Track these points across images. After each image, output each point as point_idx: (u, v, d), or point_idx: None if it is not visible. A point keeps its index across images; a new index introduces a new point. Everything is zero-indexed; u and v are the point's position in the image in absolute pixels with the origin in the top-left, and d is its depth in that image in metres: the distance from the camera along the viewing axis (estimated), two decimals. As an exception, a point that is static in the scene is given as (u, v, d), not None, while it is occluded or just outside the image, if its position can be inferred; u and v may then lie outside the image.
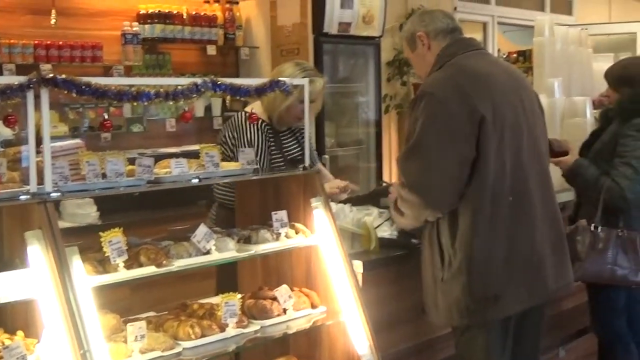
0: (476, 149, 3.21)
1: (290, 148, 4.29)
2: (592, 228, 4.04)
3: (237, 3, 6.42)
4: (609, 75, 4.36)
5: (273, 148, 4.24)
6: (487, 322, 3.36)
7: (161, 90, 3.02)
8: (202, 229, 3.15)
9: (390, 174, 7.39)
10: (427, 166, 3.25)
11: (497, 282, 3.28)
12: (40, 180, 2.65)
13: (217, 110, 6.40)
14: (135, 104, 3.04)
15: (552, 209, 3.49)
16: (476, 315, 3.31)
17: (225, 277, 3.88)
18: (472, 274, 3.26)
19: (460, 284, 3.28)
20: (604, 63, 6.66)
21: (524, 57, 9.93)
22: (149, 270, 2.95)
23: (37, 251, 2.60)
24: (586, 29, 8.66)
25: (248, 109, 4.30)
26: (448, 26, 3.47)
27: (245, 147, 4.07)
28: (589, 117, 5.57)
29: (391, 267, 3.88)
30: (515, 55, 10.21)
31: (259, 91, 3.35)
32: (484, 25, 9.46)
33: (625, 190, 3.99)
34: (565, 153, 4.19)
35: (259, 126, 4.20)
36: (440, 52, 3.43)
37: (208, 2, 6.33)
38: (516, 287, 3.31)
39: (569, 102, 5.68)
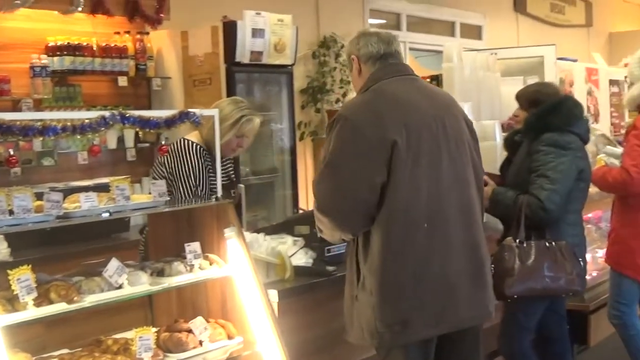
0: (388, 174, 3.22)
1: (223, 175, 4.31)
2: (518, 243, 4.12)
3: (147, 34, 6.38)
4: (522, 96, 4.51)
5: (210, 174, 4.30)
6: (398, 345, 3.34)
7: (68, 124, 2.99)
8: (114, 263, 3.12)
9: (307, 201, 7.41)
10: (337, 189, 3.27)
11: (406, 307, 3.27)
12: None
13: (130, 141, 6.34)
14: (42, 138, 3.00)
15: (473, 238, 3.45)
16: (385, 339, 3.30)
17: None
18: (381, 297, 3.25)
19: (370, 306, 3.28)
20: (512, 86, 6.80)
21: (437, 81, 10.07)
22: (60, 307, 2.91)
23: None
24: (495, 53, 8.84)
25: (189, 136, 4.38)
26: (379, 52, 3.47)
27: (185, 174, 4.24)
28: (499, 140, 5.69)
29: (307, 295, 3.88)
30: (428, 79, 10.35)
31: (169, 123, 3.34)
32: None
33: (544, 201, 4.09)
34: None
35: (199, 153, 4.30)
36: (368, 77, 3.46)
37: (118, 33, 6.28)
38: (425, 313, 3.29)
39: (479, 126, 5.76)
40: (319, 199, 3.36)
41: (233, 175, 4.73)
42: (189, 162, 4.28)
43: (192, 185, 4.22)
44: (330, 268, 3.94)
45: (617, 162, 4.84)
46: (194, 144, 4.33)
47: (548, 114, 4.32)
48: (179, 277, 3.33)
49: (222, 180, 4.30)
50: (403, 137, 3.23)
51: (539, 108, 4.37)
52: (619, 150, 4.91)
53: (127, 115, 3.18)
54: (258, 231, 4.23)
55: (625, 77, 5.19)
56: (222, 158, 4.29)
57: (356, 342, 3.48)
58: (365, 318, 3.30)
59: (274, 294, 3.65)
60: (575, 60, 10.76)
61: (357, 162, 3.23)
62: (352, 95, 7.79)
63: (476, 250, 3.45)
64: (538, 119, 4.20)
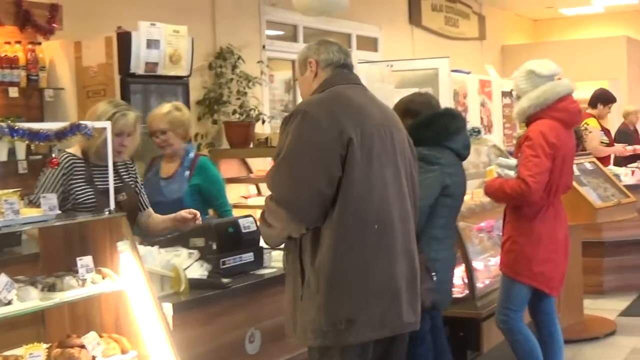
0: (343, 171, 3.33)
1: (104, 181, 4.24)
2: None
3: (39, 44, 6.24)
4: (396, 107, 4.61)
5: (81, 183, 4.28)
6: (342, 345, 3.40)
7: (-46, 137, 2.92)
8: (2, 279, 3.05)
9: (204, 212, 7.37)
10: (295, 180, 3.36)
11: (352, 306, 3.35)
12: None
13: (21, 154, 6.17)
14: None
15: (410, 246, 3.57)
16: (329, 338, 3.36)
17: None
18: (328, 296, 3.33)
19: (316, 305, 3.35)
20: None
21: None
22: (-55, 325, 2.83)
23: None
24: (391, 65, 9.00)
25: (70, 148, 4.38)
26: (339, 61, 3.62)
27: (37, 185, 4.31)
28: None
29: (202, 308, 3.85)
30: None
31: (59, 135, 3.30)
32: (293, 63, 9.64)
33: None
34: None
35: (63, 164, 4.28)
36: (325, 80, 3.58)
37: (9, 43, 6.14)
38: (370, 314, 3.38)
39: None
40: (276, 190, 3.44)
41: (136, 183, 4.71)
42: (43, 174, 4.33)
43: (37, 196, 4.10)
44: (225, 280, 3.92)
45: (512, 173, 4.93)
46: (63, 155, 4.33)
47: (421, 128, 4.45)
48: (71, 292, 3.28)
49: (126, 188, 4.38)
50: (358, 137, 3.36)
51: (415, 120, 4.49)
52: (513, 161, 5.02)
53: (16, 127, 3.12)
54: (152, 244, 4.19)
55: (512, 90, 5.32)
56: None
57: (299, 343, 3.55)
58: (310, 317, 3.37)
59: (168, 307, 3.61)
60: (469, 73, 11.01)
61: (316, 154, 3.34)
62: (250, 105, 7.83)
63: (413, 259, 3.58)
64: (412, 133, 4.27)
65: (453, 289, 5.09)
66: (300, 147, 3.37)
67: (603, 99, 9.74)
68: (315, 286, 3.35)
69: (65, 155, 4.34)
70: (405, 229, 3.53)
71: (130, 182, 4.64)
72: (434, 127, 4.53)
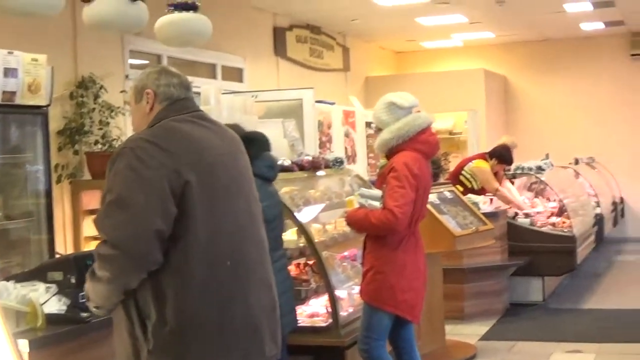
0: (182, 211, 3.14)
1: None
2: None
3: None
4: None
5: None
6: None
7: None
8: None
9: (65, 245, 7.21)
10: (130, 219, 3.10)
11: (214, 350, 3.18)
12: None
13: None
14: None
15: (268, 275, 3.46)
16: None
17: None
18: (187, 343, 3.13)
19: (173, 354, 3.13)
20: (272, 129, 6.97)
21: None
22: None
23: None
24: (256, 96, 9.03)
25: None
26: (179, 96, 3.37)
27: None
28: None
29: (60, 344, 3.76)
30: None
31: None
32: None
33: None
34: None
35: None
36: (158, 113, 3.34)
37: None
38: (233, 355, 3.23)
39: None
40: (108, 233, 3.14)
41: None
42: None
43: None
44: (84, 315, 3.84)
45: (377, 204, 4.99)
46: None
47: None
48: None
49: None
50: (197, 175, 3.18)
51: None
52: (377, 192, 5.08)
53: None
54: (8, 279, 4.07)
55: (372, 122, 5.43)
56: None
57: None
58: None
59: (24, 344, 3.51)
60: (333, 103, 11.16)
61: (147, 193, 3.10)
62: (113, 135, 7.70)
63: (271, 288, 3.47)
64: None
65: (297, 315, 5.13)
66: (130, 187, 3.13)
67: (501, 157, 9.96)
68: (168, 336, 3.12)
69: None
70: (261, 258, 3.43)
71: None
72: None
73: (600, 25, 14.59)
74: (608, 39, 15.56)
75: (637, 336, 7.89)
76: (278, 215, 4.88)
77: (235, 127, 4.72)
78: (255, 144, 4.75)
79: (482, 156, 10.13)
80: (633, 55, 15.47)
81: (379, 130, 5.27)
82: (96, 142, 7.63)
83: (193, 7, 6.57)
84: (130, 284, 3.14)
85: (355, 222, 5.13)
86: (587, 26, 14.62)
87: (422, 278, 5.23)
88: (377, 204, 5.00)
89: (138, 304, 3.18)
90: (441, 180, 9.38)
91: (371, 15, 12.58)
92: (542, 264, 9.45)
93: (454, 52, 16.32)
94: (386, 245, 5.05)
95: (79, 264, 4.14)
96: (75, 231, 7.38)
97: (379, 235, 5.06)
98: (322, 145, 10.29)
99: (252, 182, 3.53)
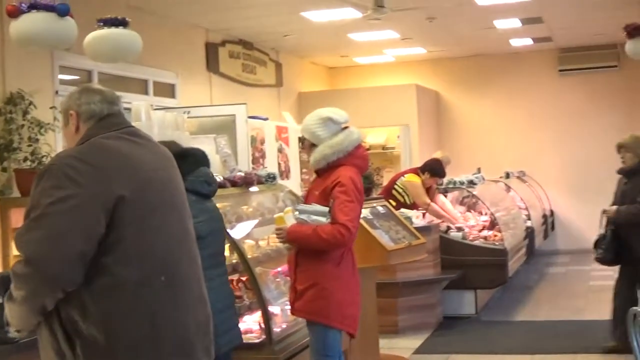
0: (114, 227, 3.09)
1: None
2: None
3: None
4: None
5: None
6: None
7: None
8: None
9: (-6, 266, 7.09)
10: (48, 237, 3.02)
11: None
12: None
13: None
14: None
15: (202, 290, 3.44)
16: None
17: None
18: (118, 358, 3.08)
19: None
20: (205, 145, 6.92)
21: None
22: None
23: None
24: (188, 112, 8.99)
25: None
26: (102, 112, 3.31)
27: None
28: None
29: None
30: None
31: None
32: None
33: None
34: None
35: None
36: (86, 132, 3.29)
37: None
38: None
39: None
40: (25, 249, 3.06)
41: None
42: None
43: None
44: (13, 334, 3.77)
45: (323, 219, 4.95)
46: None
47: None
48: None
49: None
50: (131, 191, 3.14)
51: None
52: (321, 207, 5.01)
53: None
54: None
55: (302, 137, 5.41)
56: None
57: None
58: None
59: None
60: (266, 119, 11.16)
61: (72, 212, 3.04)
62: (43, 151, 7.58)
63: (205, 303, 3.44)
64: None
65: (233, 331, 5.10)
66: (53, 204, 3.05)
67: (433, 171, 10.05)
68: (94, 357, 3.05)
69: None
70: (196, 273, 3.42)
71: None
72: None
73: (529, 42, 14.85)
74: (537, 54, 15.84)
75: (568, 347, 8.01)
76: (216, 231, 4.82)
77: (172, 144, 4.69)
78: (189, 159, 4.71)
79: (415, 171, 10.22)
80: (561, 70, 15.77)
81: (312, 145, 5.26)
82: (25, 159, 7.51)
83: (123, 23, 6.53)
84: (45, 305, 3.07)
85: (302, 238, 4.99)
86: (517, 42, 14.87)
87: (359, 292, 5.24)
88: (323, 219, 4.96)
89: (62, 321, 3.10)
90: (374, 195, 9.41)
91: (304, 31, 12.63)
92: (474, 277, 9.55)
93: (387, 68, 16.45)
94: (329, 260, 5.02)
95: (6, 284, 4.02)
96: (4, 250, 7.23)
97: (320, 251, 5.01)
98: (255, 160, 10.27)
99: (185, 198, 3.50)
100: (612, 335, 7.63)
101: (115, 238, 3.10)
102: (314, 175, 5.50)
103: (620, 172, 7.81)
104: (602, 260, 7.78)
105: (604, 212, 7.71)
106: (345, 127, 5.27)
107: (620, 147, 7.77)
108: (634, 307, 4.18)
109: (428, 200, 9.85)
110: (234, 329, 4.88)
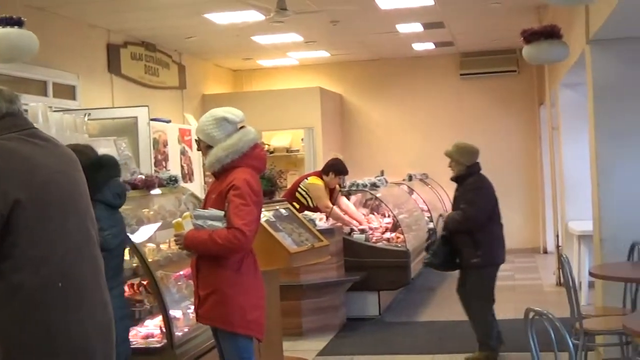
0: (11, 231, 3.02)
1: None
2: None
3: None
4: None
5: None
6: None
7: None
8: None
9: None
10: None
11: None
12: None
13: None
14: None
15: (103, 295, 3.36)
16: None
17: None
18: None
19: None
20: (105, 147, 6.82)
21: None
22: None
23: None
24: (89, 114, 8.84)
25: None
26: (0, 110, 3.24)
27: None
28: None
29: None
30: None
31: None
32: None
33: None
34: None
35: None
36: None
37: None
38: None
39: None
40: None
41: None
42: None
43: None
44: None
45: (219, 224, 4.86)
46: None
47: None
48: None
49: None
50: (29, 194, 3.07)
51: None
52: (218, 212, 4.94)
53: None
54: None
55: (198, 138, 5.30)
56: None
57: None
58: None
59: None
60: (169, 121, 11.08)
61: None
62: None
63: (107, 307, 3.37)
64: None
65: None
66: None
67: (336, 169, 10.09)
68: None
69: None
70: (96, 277, 3.35)
71: None
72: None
73: (431, 46, 15.06)
74: (439, 59, 16.09)
75: (468, 347, 8.13)
76: (123, 242, 4.74)
77: (87, 149, 4.61)
78: (105, 169, 4.62)
79: (318, 174, 10.26)
80: (462, 75, 16.05)
81: (208, 147, 5.14)
82: None
83: (18, 23, 6.38)
84: None
85: (198, 244, 4.88)
86: (419, 46, 15.07)
87: (263, 295, 5.18)
88: (219, 224, 4.87)
89: None
90: (277, 197, 9.41)
91: (207, 34, 12.55)
92: (377, 279, 9.63)
93: (291, 71, 16.49)
94: (228, 266, 4.93)
95: None
96: None
97: (217, 257, 4.92)
98: (158, 163, 10.18)
99: (89, 201, 3.44)
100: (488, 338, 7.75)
101: (11, 243, 3.04)
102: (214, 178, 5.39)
103: (451, 179, 8.05)
104: (430, 265, 8.00)
105: (440, 216, 7.94)
106: (242, 127, 5.17)
107: (447, 157, 7.98)
108: (530, 307, 4.25)
109: (329, 204, 9.89)
110: (124, 343, 4.79)
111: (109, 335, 3.38)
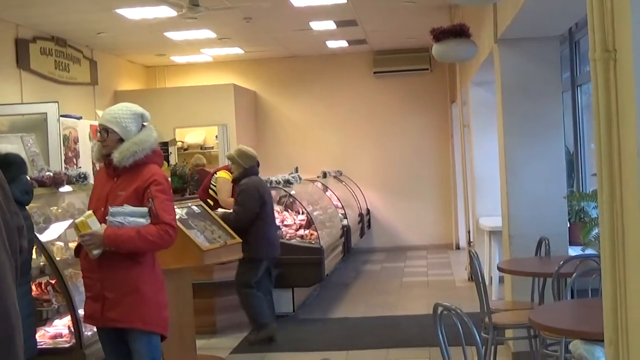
0: None
1: None
2: None
3: None
4: None
5: None
6: None
7: None
8: None
9: None
10: None
11: None
12: None
13: None
14: None
15: (6, 303, 3.15)
16: None
17: None
18: None
19: None
20: (11, 145, 6.68)
21: None
22: None
23: None
24: (-5, 109, 8.67)
25: None
26: None
27: None
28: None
29: None
30: None
31: None
32: None
33: None
34: None
35: None
36: None
37: None
38: None
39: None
40: None
41: None
42: None
43: None
44: None
45: (143, 221, 4.77)
46: None
47: None
48: None
49: None
50: None
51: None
52: (139, 208, 4.82)
53: None
54: None
55: (105, 127, 5.11)
56: None
57: None
58: None
59: None
60: (80, 118, 10.90)
61: None
62: None
63: (7, 319, 3.18)
64: None
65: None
66: None
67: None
68: None
69: None
70: (1, 286, 3.16)
71: None
72: None
73: (344, 44, 15.13)
74: (353, 57, 16.18)
75: (381, 342, 8.21)
76: (30, 240, 4.64)
77: None
78: (13, 167, 4.53)
79: (227, 167, 10.15)
80: (375, 72, 16.16)
81: (120, 140, 5.00)
82: None
83: None
84: None
85: (123, 242, 4.72)
86: (333, 44, 15.13)
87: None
88: (142, 220, 4.78)
89: None
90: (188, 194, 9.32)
91: (118, 29, 12.38)
92: (291, 275, 9.63)
93: (204, 67, 16.39)
94: (144, 263, 4.86)
95: None
96: None
97: (132, 255, 4.80)
98: (68, 160, 10.01)
99: (2, 207, 3.27)
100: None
101: None
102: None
103: (232, 181, 8.88)
104: None
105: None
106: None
107: (229, 159, 8.73)
108: (439, 302, 4.29)
109: (230, 200, 9.83)
110: (30, 339, 4.70)
111: (9, 348, 3.19)
